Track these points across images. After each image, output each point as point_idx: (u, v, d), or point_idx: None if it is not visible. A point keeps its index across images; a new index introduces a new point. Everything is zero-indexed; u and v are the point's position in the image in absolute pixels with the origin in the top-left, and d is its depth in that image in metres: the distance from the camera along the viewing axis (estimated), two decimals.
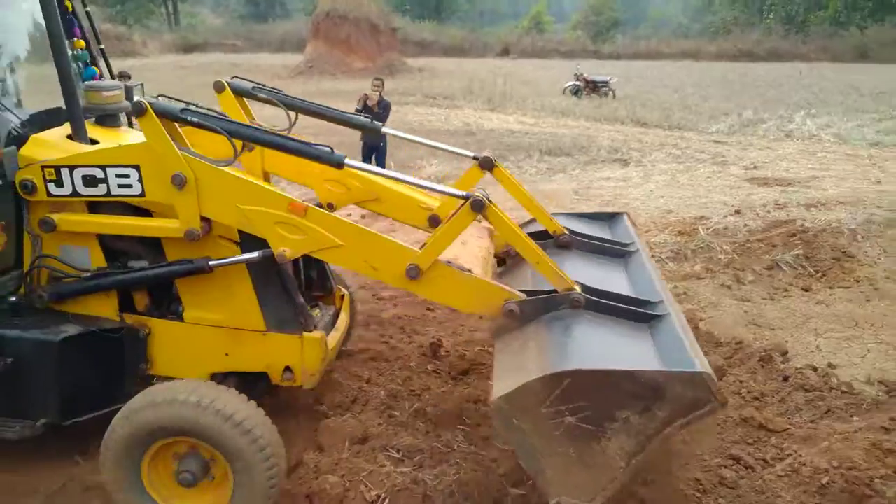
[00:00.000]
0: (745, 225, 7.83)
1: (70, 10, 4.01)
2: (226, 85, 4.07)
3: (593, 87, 24.89)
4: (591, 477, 2.69)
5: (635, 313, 3.13)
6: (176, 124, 3.19)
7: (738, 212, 8.40)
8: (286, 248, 3.13)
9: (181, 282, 3.41)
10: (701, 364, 2.61)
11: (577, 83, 25.05)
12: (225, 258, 3.28)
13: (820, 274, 6.76)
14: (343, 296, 4.18)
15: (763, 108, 20.69)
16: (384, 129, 4.58)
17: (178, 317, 3.48)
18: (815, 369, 4.93)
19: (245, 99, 4.17)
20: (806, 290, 6.50)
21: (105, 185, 3.25)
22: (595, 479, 2.69)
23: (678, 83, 29.01)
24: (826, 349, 5.36)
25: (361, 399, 4.30)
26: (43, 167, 3.27)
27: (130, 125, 4.10)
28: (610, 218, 4.57)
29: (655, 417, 2.60)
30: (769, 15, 52.03)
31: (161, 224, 3.30)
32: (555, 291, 3.10)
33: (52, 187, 3.29)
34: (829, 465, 3.64)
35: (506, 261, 4.14)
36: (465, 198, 3.02)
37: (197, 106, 3.30)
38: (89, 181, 3.26)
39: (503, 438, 2.90)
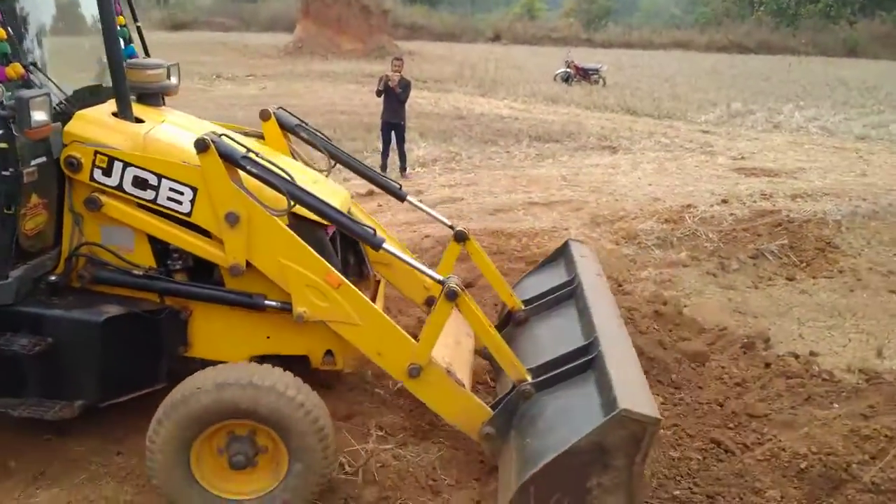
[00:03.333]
0: (732, 214, 7.86)
1: None
2: (272, 115, 4.17)
3: (584, 75, 24.83)
4: None
5: (578, 366, 3.23)
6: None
7: (724, 201, 8.42)
8: (306, 309, 3.22)
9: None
10: (621, 399, 2.69)
11: (568, 70, 24.99)
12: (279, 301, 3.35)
13: (804, 264, 6.82)
14: (379, 280, 4.22)
15: (752, 99, 20.74)
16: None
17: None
18: (796, 357, 4.98)
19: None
20: (790, 280, 6.55)
21: (154, 192, 3.26)
22: None
23: (669, 73, 29.00)
24: (808, 337, 5.42)
25: (348, 379, 4.29)
26: (96, 152, 3.24)
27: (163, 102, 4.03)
28: (561, 254, 4.68)
29: (618, 467, 2.71)
30: (760, 7, 52.04)
31: (208, 249, 3.33)
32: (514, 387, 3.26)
33: (97, 173, 3.26)
34: (808, 451, 3.69)
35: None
36: (441, 282, 3.21)
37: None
38: (139, 182, 3.26)
39: None
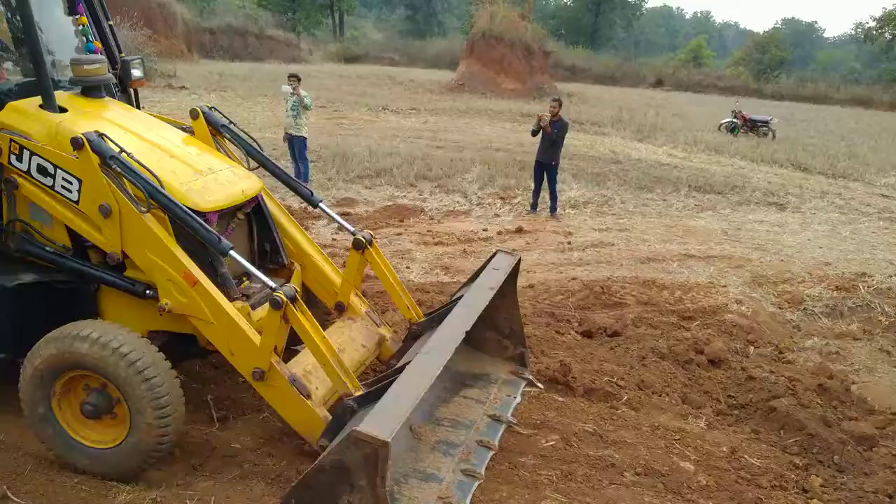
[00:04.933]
0: None
1: None
2: (200, 113, 4.39)
3: (752, 126, 23.69)
4: None
5: (385, 386, 3.19)
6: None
7: None
8: (169, 301, 3.53)
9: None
10: (364, 421, 2.74)
11: (735, 120, 23.94)
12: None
13: None
14: (293, 269, 4.32)
15: None
16: None
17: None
18: None
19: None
20: None
21: (52, 180, 3.63)
22: None
23: (846, 130, 27.05)
24: None
25: None
26: (11, 139, 3.65)
27: (125, 93, 4.58)
28: (484, 265, 4.42)
29: (363, 488, 2.79)
30: None
31: (96, 236, 3.65)
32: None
33: (13, 158, 3.68)
34: None
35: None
36: (272, 289, 3.35)
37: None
38: (42, 170, 3.65)
39: None
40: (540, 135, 10.44)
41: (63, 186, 3.62)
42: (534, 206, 10.64)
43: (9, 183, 3.71)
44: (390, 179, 12.12)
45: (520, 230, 9.41)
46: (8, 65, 4.08)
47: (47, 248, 3.79)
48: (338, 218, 4.54)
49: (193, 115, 4.39)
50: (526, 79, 32.69)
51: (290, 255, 4.31)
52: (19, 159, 3.67)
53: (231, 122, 4.51)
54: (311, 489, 2.89)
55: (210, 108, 4.45)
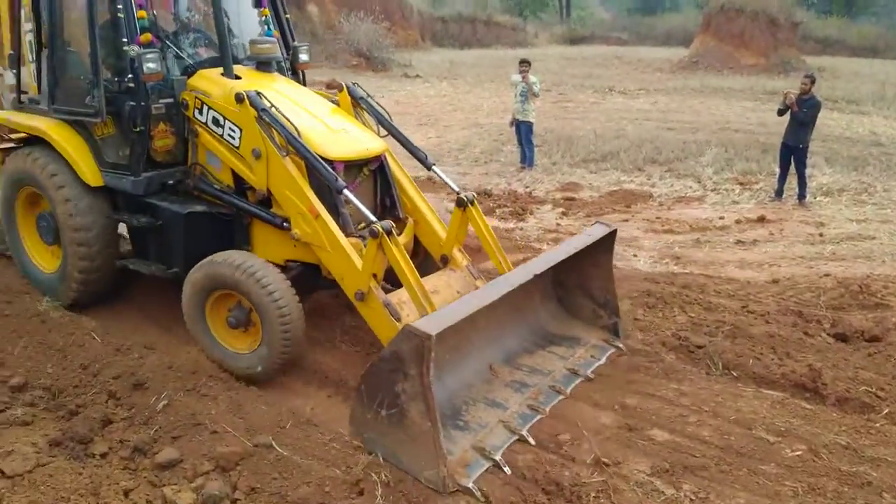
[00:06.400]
0: None
1: None
2: (345, 88, 5.18)
3: None
4: (421, 447, 3.34)
5: None
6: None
7: None
8: (297, 231, 4.34)
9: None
10: (418, 321, 3.38)
11: None
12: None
13: None
14: (406, 221, 4.88)
15: None
16: None
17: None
18: None
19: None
20: None
21: (222, 129, 4.60)
22: (424, 447, 3.32)
23: None
24: None
25: None
26: (195, 97, 4.68)
27: (295, 73, 5.57)
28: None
29: (413, 377, 3.27)
30: None
31: (250, 175, 4.55)
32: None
33: (196, 113, 4.72)
34: None
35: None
36: (370, 222, 4.01)
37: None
38: (216, 121, 4.63)
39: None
40: (787, 114, 9.53)
41: (229, 134, 4.59)
42: (779, 192, 9.76)
43: (192, 133, 4.79)
44: (617, 164, 11.81)
45: (762, 219, 8.69)
46: (203, 42, 5.36)
47: (216, 187, 4.79)
48: (447, 179, 5.01)
49: (338, 87, 5.24)
50: (770, 53, 29.98)
51: (405, 210, 4.91)
52: (201, 113, 4.70)
53: (368, 95, 5.27)
54: (375, 376, 3.46)
55: (354, 84, 5.28)
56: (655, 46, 41.48)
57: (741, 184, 10.53)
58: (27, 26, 5.36)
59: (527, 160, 11.64)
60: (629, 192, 10.13)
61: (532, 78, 11.34)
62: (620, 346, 4.77)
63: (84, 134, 5.02)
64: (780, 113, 9.68)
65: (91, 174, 4.93)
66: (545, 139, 13.44)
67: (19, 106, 5.53)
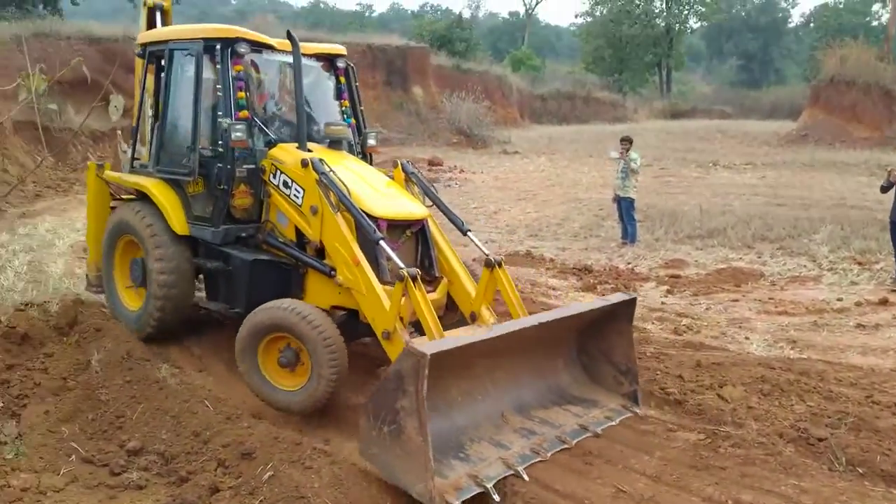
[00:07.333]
0: None
1: (342, 82, 6.35)
2: (399, 164, 5.90)
3: None
4: (415, 461, 3.56)
5: None
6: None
7: None
8: (341, 277, 4.95)
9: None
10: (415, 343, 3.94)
11: None
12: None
13: None
14: (440, 279, 5.31)
15: None
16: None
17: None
18: None
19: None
20: None
21: (290, 190, 5.34)
22: (417, 461, 3.54)
23: None
24: None
25: None
26: (272, 163, 5.46)
27: (364, 156, 6.27)
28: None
29: (410, 393, 3.55)
30: None
31: (306, 228, 5.24)
32: None
33: (271, 177, 5.48)
34: None
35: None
36: (400, 268, 4.48)
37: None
38: (285, 184, 5.38)
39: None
40: (893, 191, 9.00)
41: (294, 194, 5.31)
42: None
43: (267, 194, 5.56)
44: (724, 240, 11.45)
45: (884, 301, 8.13)
46: (287, 126, 6.15)
47: (280, 240, 5.48)
48: (479, 244, 5.42)
49: (394, 164, 5.96)
50: (884, 126, 28.76)
51: (441, 270, 5.37)
52: (274, 177, 5.46)
53: (417, 171, 5.96)
54: (380, 395, 3.76)
55: (406, 161, 5.98)
56: (760, 120, 40.63)
57: (859, 263, 9.94)
58: (149, 112, 6.48)
59: (628, 236, 11.49)
60: (738, 269, 9.76)
61: (633, 154, 11.30)
62: (638, 411, 4.93)
63: (179, 191, 5.88)
64: (884, 190, 9.15)
65: (179, 224, 5.78)
66: (647, 214, 13.25)
67: (132, 170, 6.52)
